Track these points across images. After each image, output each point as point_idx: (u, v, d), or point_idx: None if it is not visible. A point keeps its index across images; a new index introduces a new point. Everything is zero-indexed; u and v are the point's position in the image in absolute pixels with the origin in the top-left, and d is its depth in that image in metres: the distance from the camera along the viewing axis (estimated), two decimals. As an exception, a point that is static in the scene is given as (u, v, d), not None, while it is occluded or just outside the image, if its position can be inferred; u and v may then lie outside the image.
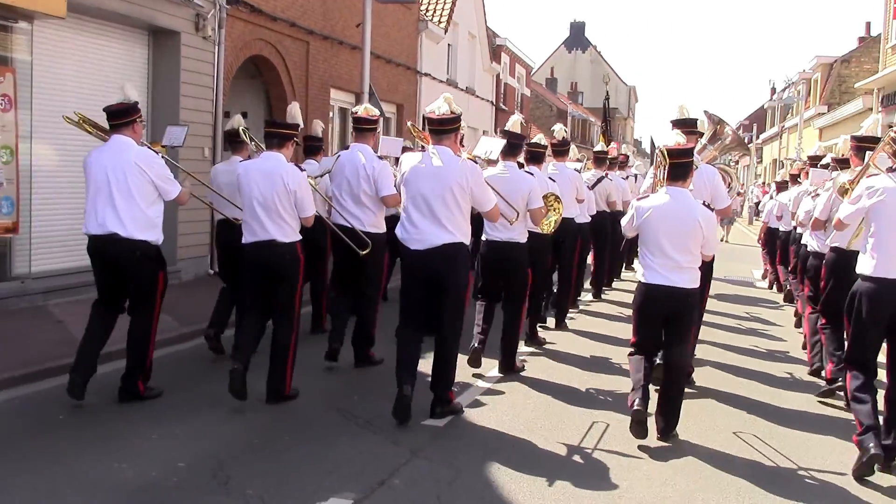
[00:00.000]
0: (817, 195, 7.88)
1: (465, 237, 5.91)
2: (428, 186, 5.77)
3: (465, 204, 5.84)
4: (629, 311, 11.25)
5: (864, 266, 5.39)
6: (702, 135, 7.74)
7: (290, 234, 6.11)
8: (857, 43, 37.38)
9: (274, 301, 6.16)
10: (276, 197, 6.00)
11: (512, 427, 6.03)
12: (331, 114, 16.92)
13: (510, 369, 7.44)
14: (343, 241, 7.02)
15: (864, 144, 6.48)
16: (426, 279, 5.87)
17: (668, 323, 5.77)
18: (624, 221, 6.11)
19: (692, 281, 5.70)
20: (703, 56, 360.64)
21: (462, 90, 26.10)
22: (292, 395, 6.23)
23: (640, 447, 5.64)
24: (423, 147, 6.49)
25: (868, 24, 38.40)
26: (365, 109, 7.35)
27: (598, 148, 12.40)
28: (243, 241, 6.18)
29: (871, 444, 5.13)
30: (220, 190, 7.54)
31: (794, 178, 12.32)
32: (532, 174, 7.37)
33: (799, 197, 10.04)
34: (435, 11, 23.66)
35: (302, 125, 7.02)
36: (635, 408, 5.59)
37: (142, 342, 6.04)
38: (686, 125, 7.05)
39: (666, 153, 5.71)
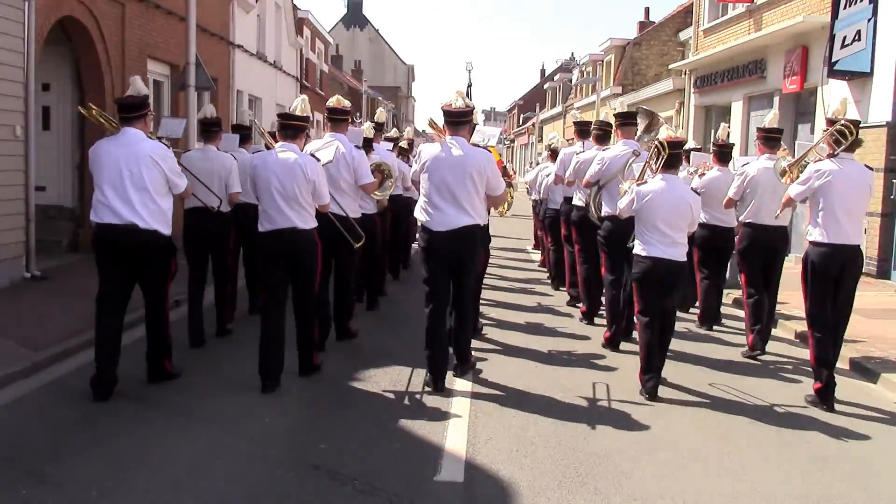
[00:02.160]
0: (703, 175, 9.00)
1: (483, 219, 6.54)
2: (450, 174, 6.30)
3: (482, 189, 6.41)
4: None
5: (817, 235, 6.40)
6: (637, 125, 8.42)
7: (308, 221, 6.42)
8: (637, 27, 39.10)
9: (295, 287, 6.48)
10: (296, 187, 6.25)
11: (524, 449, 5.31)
12: (148, 86, 14.66)
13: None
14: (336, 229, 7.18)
15: (772, 135, 7.87)
16: (448, 258, 6.37)
17: (663, 288, 6.47)
18: (622, 204, 6.70)
19: (683, 254, 6.54)
20: (476, 38, 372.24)
21: (270, 64, 24.39)
22: (319, 365, 6.73)
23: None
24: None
25: (647, 10, 40.49)
26: (337, 100, 7.70)
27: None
28: (260, 229, 6.37)
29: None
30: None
31: None
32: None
33: None
34: (243, -24, 21.57)
35: (306, 114, 6.60)
36: (648, 388, 6.37)
37: (162, 323, 6.29)
38: (628, 118, 8.34)
39: (665, 144, 6.43)
